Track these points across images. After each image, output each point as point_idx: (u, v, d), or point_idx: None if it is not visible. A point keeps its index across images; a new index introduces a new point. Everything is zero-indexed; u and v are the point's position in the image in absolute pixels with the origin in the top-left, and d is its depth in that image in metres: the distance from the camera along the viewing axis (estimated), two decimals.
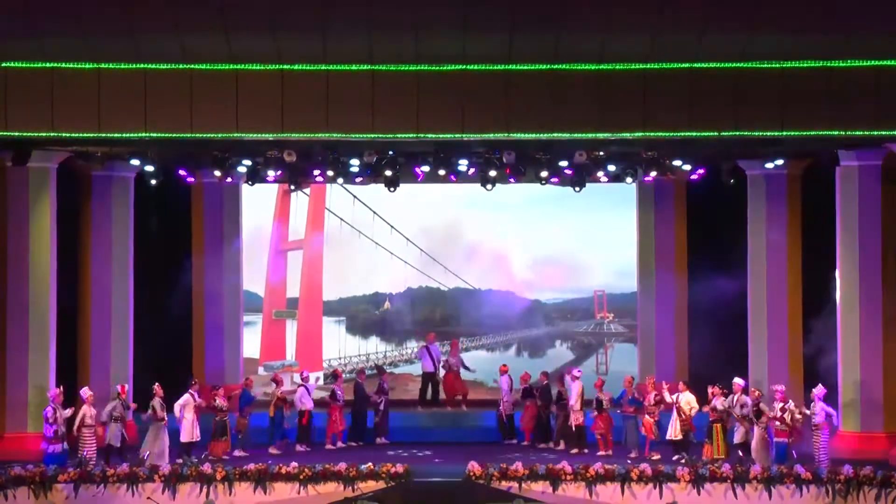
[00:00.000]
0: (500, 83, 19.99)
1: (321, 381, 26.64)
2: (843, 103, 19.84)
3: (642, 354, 26.41)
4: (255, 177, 22.58)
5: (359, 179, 23.94)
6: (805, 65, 19.83)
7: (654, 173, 22.97)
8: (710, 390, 21.40)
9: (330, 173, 22.85)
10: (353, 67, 19.94)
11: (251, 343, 28.09)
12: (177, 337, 25.62)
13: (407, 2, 19.08)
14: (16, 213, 22.34)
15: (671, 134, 20.29)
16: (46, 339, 22.37)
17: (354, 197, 27.96)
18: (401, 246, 28.63)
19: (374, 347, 30.20)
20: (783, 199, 23.99)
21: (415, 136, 20.21)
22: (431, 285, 29.23)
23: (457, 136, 20.27)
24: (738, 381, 21.24)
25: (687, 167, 23.34)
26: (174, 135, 20.16)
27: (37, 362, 22.20)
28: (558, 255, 28.26)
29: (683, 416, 21.60)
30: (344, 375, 25.27)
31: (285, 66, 19.91)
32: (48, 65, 19.84)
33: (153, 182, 22.62)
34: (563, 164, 22.18)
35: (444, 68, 19.92)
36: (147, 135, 20.06)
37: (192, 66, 19.88)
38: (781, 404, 20.48)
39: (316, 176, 23.46)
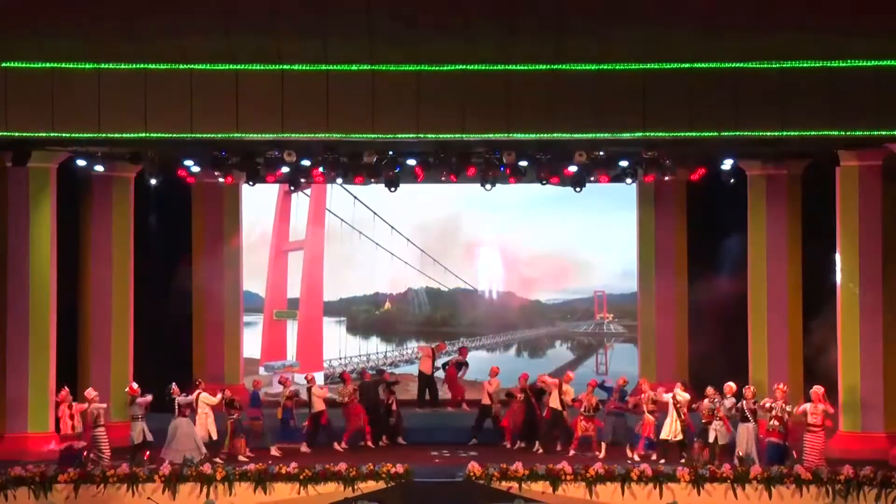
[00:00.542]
0: (500, 83, 19.98)
1: (322, 382, 26.59)
2: (843, 103, 19.80)
3: (642, 355, 26.40)
4: (255, 177, 22.58)
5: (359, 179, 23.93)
6: (805, 65, 19.81)
7: (654, 173, 22.95)
8: (706, 391, 21.35)
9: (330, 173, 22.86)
10: (353, 67, 19.91)
11: (252, 343, 28.11)
12: (177, 337, 25.60)
13: (407, 2, 19.09)
14: (16, 213, 22.29)
15: (671, 134, 20.27)
16: (46, 339, 22.33)
17: (355, 197, 27.99)
18: (401, 246, 28.66)
19: (374, 348, 30.23)
20: (783, 199, 23.95)
21: (415, 136, 20.19)
22: (432, 285, 29.26)
23: (457, 136, 20.27)
24: (729, 384, 21.16)
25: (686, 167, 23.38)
26: (174, 135, 20.13)
27: (37, 362, 22.16)
28: (558, 256, 28.28)
29: (682, 417, 21.57)
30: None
31: (285, 66, 19.87)
32: (48, 65, 19.81)
33: (153, 182, 22.62)
34: (564, 164, 22.19)
35: (444, 68, 19.92)
36: (147, 135, 20.04)
37: (192, 66, 19.85)
38: (781, 403, 20.43)
39: (316, 176, 23.45)
